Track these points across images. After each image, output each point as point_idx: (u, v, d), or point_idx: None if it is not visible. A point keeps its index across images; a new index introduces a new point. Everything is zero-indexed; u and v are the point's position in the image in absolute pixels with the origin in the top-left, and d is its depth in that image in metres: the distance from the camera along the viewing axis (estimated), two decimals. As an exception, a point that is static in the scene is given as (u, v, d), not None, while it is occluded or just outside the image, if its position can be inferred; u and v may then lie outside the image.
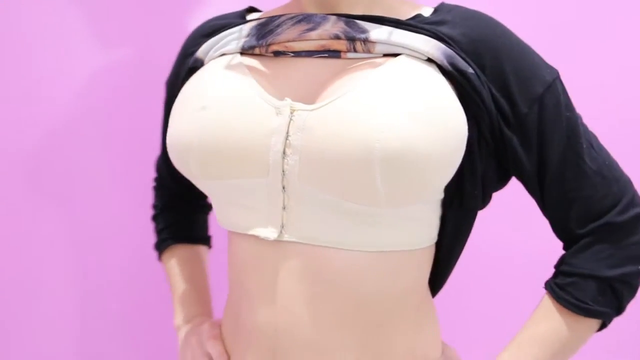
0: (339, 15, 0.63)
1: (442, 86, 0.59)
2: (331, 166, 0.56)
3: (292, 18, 0.64)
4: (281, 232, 0.62)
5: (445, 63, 0.60)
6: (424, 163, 0.55)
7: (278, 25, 0.65)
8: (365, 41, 0.61)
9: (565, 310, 0.65)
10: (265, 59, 0.66)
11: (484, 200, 0.67)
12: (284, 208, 0.61)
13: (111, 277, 1.16)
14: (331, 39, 0.62)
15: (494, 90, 0.62)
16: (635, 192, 0.66)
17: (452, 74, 0.60)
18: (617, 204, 0.64)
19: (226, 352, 0.71)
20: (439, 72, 0.60)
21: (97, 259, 1.15)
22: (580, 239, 0.65)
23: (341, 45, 0.62)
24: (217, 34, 0.70)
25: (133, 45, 1.11)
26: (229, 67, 0.65)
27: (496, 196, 0.69)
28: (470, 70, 0.60)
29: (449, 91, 0.60)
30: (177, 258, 0.87)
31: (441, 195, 0.65)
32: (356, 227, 0.61)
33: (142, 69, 1.12)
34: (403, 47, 0.60)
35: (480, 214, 0.69)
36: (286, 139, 0.59)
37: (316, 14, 0.64)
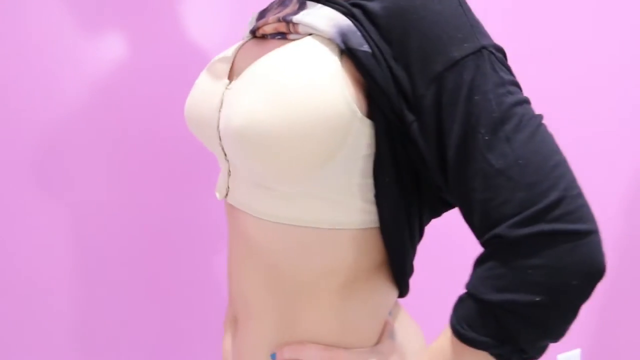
0: None
1: (319, 67, 0.57)
2: (225, 140, 0.63)
3: (277, 2, 0.69)
4: (227, 194, 0.70)
5: (338, 41, 0.57)
6: (268, 141, 0.56)
7: (269, 10, 0.70)
8: (292, 23, 0.62)
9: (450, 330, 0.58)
10: (255, 42, 0.70)
11: (419, 190, 0.62)
12: (229, 173, 0.69)
13: (110, 274, 1.16)
14: (278, 22, 0.64)
15: (396, 69, 0.56)
16: (558, 205, 0.50)
17: (347, 53, 0.57)
18: (517, 214, 0.50)
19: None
20: (336, 52, 0.58)
21: (96, 256, 1.15)
22: (484, 249, 0.55)
23: (283, 27, 0.64)
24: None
25: (130, 44, 1.11)
26: (231, 48, 0.72)
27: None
28: (364, 47, 0.56)
29: (329, 72, 0.57)
30: None
31: (360, 179, 0.61)
32: (264, 197, 0.63)
33: (139, 67, 1.12)
34: (310, 27, 0.60)
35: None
36: (219, 113, 0.65)
37: None
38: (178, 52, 1.14)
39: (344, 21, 0.58)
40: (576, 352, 1.81)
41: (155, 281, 1.20)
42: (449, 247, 1.48)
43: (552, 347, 1.55)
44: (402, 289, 0.71)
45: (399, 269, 0.67)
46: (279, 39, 0.66)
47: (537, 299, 0.50)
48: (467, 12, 0.56)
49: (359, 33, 0.57)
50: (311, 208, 0.62)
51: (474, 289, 0.54)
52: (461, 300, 0.56)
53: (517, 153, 0.51)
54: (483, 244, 0.54)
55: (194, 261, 1.23)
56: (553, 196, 0.50)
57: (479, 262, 0.54)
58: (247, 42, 0.73)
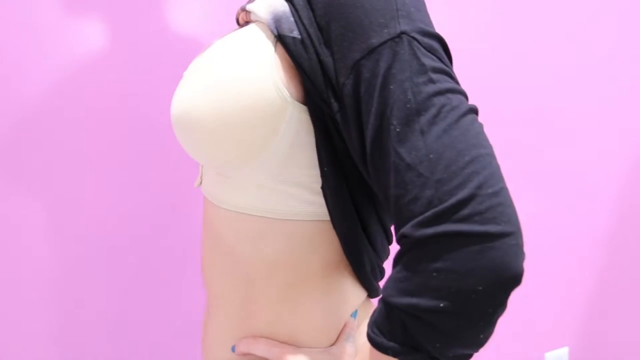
0: None
1: (249, 54, 0.57)
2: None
3: None
4: (201, 182, 0.71)
5: (272, 27, 0.57)
6: (200, 131, 0.57)
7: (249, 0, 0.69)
8: (246, 11, 0.64)
9: None
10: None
11: (345, 178, 0.60)
12: (202, 164, 0.70)
13: (95, 274, 1.14)
14: (242, 11, 0.67)
15: (323, 56, 0.54)
16: (466, 204, 0.45)
17: (279, 39, 0.56)
18: (423, 213, 0.47)
19: None
20: (272, 38, 0.58)
21: (80, 255, 1.13)
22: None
23: (245, 16, 0.66)
24: None
25: (121, 37, 1.09)
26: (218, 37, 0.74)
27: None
28: (294, 34, 0.55)
29: (258, 59, 0.56)
30: None
31: (306, 170, 0.59)
32: (222, 185, 0.64)
33: (131, 60, 1.10)
34: (253, 14, 0.61)
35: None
36: None
37: None
38: (169, 46, 1.13)
39: (281, 6, 0.57)
40: (564, 351, 1.81)
41: (143, 279, 1.18)
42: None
43: (540, 345, 1.54)
44: (369, 290, 0.68)
45: (355, 266, 0.64)
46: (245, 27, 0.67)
47: (442, 305, 0.46)
48: None
49: (292, 18, 0.56)
50: (264, 197, 0.61)
51: (385, 291, 0.51)
52: (378, 303, 0.53)
53: (430, 147, 0.47)
54: (397, 243, 0.50)
55: (183, 258, 1.21)
56: (462, 194, 0.45)
57: (393, 262, 0.51)
58: (232, 32, 0.73)
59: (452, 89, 0.50)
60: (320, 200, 0.61)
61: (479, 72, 1.48)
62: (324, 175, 0.58)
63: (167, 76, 1.12)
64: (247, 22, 0.66)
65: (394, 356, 0.50)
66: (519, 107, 1.56)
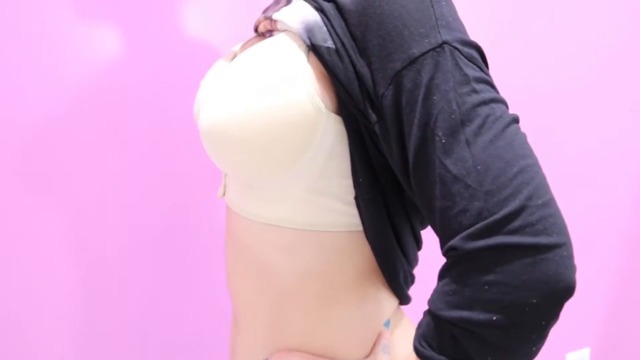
0: None
1: (283, 64, 0.56)
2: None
3: (275, 0, 0.69)
4: (224, 193, 0.70)
5: (304, 37, 0.56)
6: (232, 142, 0.56)
7: (269, 8, 0.69)
8: (272, 20, 0.62)
9: None
10: (254, 40, 0.71)
11: (402, 193, 0.60)
12: (225, 174, 0.70)
13: (112, 276, 1.15)
14: (265, 19, 0.65)
15: (359, 66, 0.53)
16: (517, 215, 0.45)
17: (312, 49, 0.56)
18: (473, 225, 0.46)
19: None
20: (304, 48, 0.57)
21: (95, 257, 1.13)
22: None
23: (269, 25, 0.65)
24: None
25: (128, 44, 1.09)
26: (235, 47, 0.74)
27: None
28: (328, 44, 0.54)
29: (291, 69, 0.55)
30: None
31: (341, 180, 0.59)
32: (247, 196, 0.64)
33: (143, 64, 1.11)
34: (282, 23, 0.60)
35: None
36: None
37: None
38: (181, 50, 1.13)
39: (312, 16, 0.56)
40: (586, 351, 1.80)
41: (158, 282, 1.19)
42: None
43: (561, 346, 1.53)
44: (401, 298, 0.67)
45: (388, 275, 0.64)
46: (268, 36, 0.65)
47: (494, 318, 0.45)
48: (435, 3, 0.52)
49: (324, 28, 0.55)
50: (293, 209, 0.60)
51: (432, 304, 0.50)
52: (424, 316, 0.52)
53: (477, 158, 0.46)
54: (444, 256, 0.50)
55: (198, 261, 1.22)
56: (512, 206, 0.45)
57: (440, 274, 0.50)
58: (251, 40, 0.73)
59: (495, 98, 0.49)
60: (353, 210, 0.60)
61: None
62: (358, 185, 0.58)
63: (183, 83, 1.12)
64: (269, 31, 0.66)
65: None
66: (536, 107, 1.56)
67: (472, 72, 0.49)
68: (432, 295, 0.50)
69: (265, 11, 0.72)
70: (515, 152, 0.47)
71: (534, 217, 0.45)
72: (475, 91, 0.48)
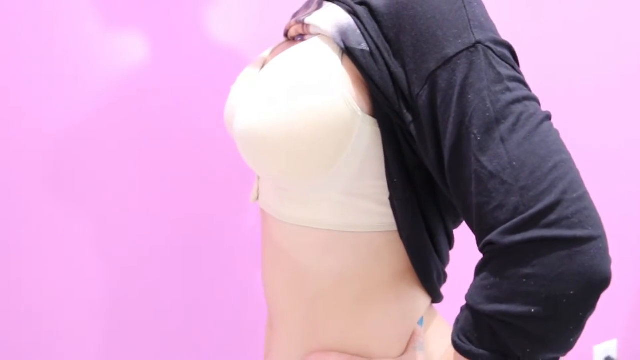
0: None
1: (318, 68, 0.56)
2: (237, 143, 0.62)
3: (305, 5, 0.71)
4: (258, 197, 0.72)
5: (338, 41, 0.57)
6: (268, 145, 0.56)
7: (299, 12, 0.72)
8: (305, 24, 0.63)
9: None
10: (285, 45, 0.72)
11: (435, 191, 0.61)
12: (258, 178, 0.72)
13: (138, 283, 1.16)
14: (297, 23, 0.66)
15: (394, 68, 0.54)
16: (553, 210, 0.46)
17: (346, 52, 0.56)
18: (510, 220, 0.47)
19: None
20: (337, 51, 0.58)
21: (116, 259, 1.14)
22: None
23: (301, 29, 0.65)
24: None
25: (151, 50, 1.11)
26: (264, 52, 0.76)
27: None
28: (362, 46, 0.55)
29: (326, 72, 0.56)
30: None
31: (375, 181, 0.60)
32: (282, 199, 0.64)
33: (156, 70, 1.12)
34: (316, 27, 0.61)
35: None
36: None
37: (313, 0, 0.68)
38: (204, 56, 1.14)
39: (345, 19, 0.57)
40: (613, 343, 1.80)
41: (170, 281, 1.19)
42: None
43: (588, 338, 1.53)
44: (434, 296, 0.68)
45: (422, 274, 0.64)
46: (299, 40, 0.66)
47: (533, 311, 0.46)
48: (467, 4, 0.53)
49: (358, 31, 0.56)
50: (329, 210, 0.61)
51: (471, 298, 0.51)
52: (462, 311, 0.53)
53: (512, 154, 0.48)
54: (481, 251, 0.51)
55: (227, 263, 1.23)
56: (548, 200, 0.46)
57: (477, 269, 0.51)
58: (281, 44, 0.74)
59: (528, 96, 0.50)
60: (387, 211, 0.61)
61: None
62: (393, 186, 0.58)
63: (213, 89, 1.13)
64: (301, 35, 0.66)
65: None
66: (557, 108, 1.56)
67: (504, 70, 0.51)
68: (470, 290, 0.52)
69: (295, 15, 0.73)
70: (549, 147, 0.48)
71: (570, 211, 0.46)
72: (508, 89, 0.50)
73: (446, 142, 0.51)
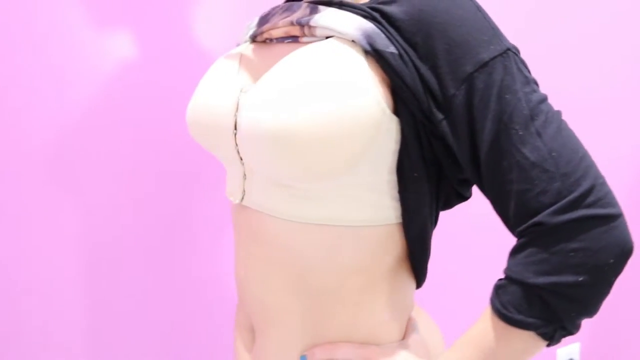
0: (310, 2, 0.68)
1: (349, 67, 0.59)
2: (251, 143, 0.63)
3: (281, 7, 0.72)
4: (243, 197, 0.71)
5: (363, 43, 0.60)
6: (303, 143, 0.58)
7: (272, 15, 0.72)
8: (309, 26, 0.65)
9: (494, 315, 0.60)
10: (259, 46, 0.73)
11: (452, 184, 0.66)
12: (244, 177, 0.70)
13: (118, 276, 1.17)
14: (289, 25, 0.67)
15: (423, 70, 0.59)
16: (590, 192, 0.55)
17: (372, 55, 0.60)
18: (556, 203, 0.55)
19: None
20: (361, 53, 0.61)
21: (111, 255, 1.16)
22: (519, 237, 0.59)
23: (296, 30, 0.66)
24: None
25: (137, 49, 1.12)
26: (232, 53, 0.75)
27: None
28: (391, 49, 0.59)
29: (359, 72, 0.59)
30: None
31: (387, 176, 0.64)
32: (291, 198, 0.65)
33: (151, 67, 1.13)
34: (331, 29, 0.62)
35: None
36: (235, 117, 0.66)
37: (296, 3, 0.69)
38: (190, 54, 1.16)
39: (366, 24, 0.61)
40: (576, 346, 1.83)
41: (167, 277, 1.21)
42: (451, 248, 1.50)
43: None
44: (421, 281, 0.73)
45: (420, 261, 0.70)
46: (289, 42, 0.68)
47: (580, 279, 0.54)
48: (485, 16, 0.60)
49: (383, 35, 0.60)
50: (339, 207, 0.64)
51: (519, 274, 0.57)
52: (502, 287, 0.59)
53: (549, 146, 0.56)
54: (520, 233, 0.58)
55: (201, 261, 1.24)
56: (586, 185, 0.55)
57: (518, 249, 0.58)
58: (248, 46, 0.75)
59: (546, 97, 0.59)
60: (396, 204, 0.65)
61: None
62: (414, 180, 0.63)
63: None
64: (293, 37, 0.67)
65: (533, 330, 0.57)
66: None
67: (528, 74, 0.59)
68: (514, 268, 0.58)
69: (267, 18, 0.73)
70: (575, 141, 0.57)
71: (602, 193, 0.55)
72: (534, 91, 0.58)
73: (484, 136, 0.58)
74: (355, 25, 0.61)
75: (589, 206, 0.54)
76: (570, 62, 1.63)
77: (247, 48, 0.74)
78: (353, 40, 0.61)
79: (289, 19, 0.67)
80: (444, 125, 0.60)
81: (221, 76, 0.72)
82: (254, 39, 0.75)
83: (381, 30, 0.60)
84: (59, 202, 1.10)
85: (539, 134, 0.56)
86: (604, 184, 0.56)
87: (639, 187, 1.82)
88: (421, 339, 0.71)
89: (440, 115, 0.59)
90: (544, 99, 0.58)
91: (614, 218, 0.55)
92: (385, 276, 0.68)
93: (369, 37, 0.60)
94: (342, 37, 0.62)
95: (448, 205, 0.71)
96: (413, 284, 0.73)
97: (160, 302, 1.22)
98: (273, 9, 0.74)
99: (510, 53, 0.58)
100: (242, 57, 0.73)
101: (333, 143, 0.58)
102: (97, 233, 1.14)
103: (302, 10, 0.67)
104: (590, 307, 0.57)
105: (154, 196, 1.18)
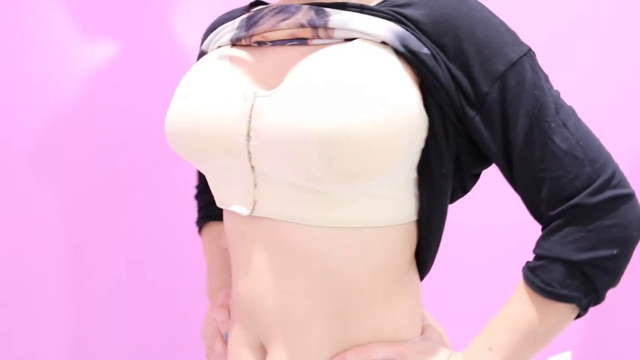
0: (311, 5, 0.67)
1: (388, 68, 0.61)
2: (279, 149, 0.61)
3: (272, 9, 0.69)
4: (253, 208, 0.67)
5: (397, 45, 0.62)
6: (354, 145, 0.58)
7: (261, 17, 0.69)
8: (326, 27, 0.64)
9: (534, 294, 0.64)
10: (249, 49, 0.71)
11: (464, 180, 0.70)
12: (255, 186, 0.67)
13: (110, 271, 1.17)
14: (298, 27, 0.66)
15: (453, 69, 0.63)
16: (614, 175, 0.62)
17: (405, 56, 0.62)
18: (589, 186, 0.61)
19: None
20: (393, 54, 0.63)
21: (96, 253, 1.16)
22: (552, 221, 0.64)
23: (307, 32, 0.66)
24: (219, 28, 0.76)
25: (126, 42, 1.14)
26: (215, 57, 0.72)
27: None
28: (425, 50, 0.62)
29: (398, 72, 0.62)
30: (210, 235, 0.94)
31: (411, 174, 0.66)
32: (316, 203, 0.64)
33: (135, 64, 1.14)
34: (358, 31, 0.63)
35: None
36: (249, 123, 0.64)
37: (292, 5, 0.68)
38: (178, 56, 1.17)
39: (394, 26, 0.63)
40: (567, 355, 1.82)
41: (154, 277, 1.21)
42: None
43: (542, 350, 1.54)
44: (424, 274, 0.76)
45: (431, 255, 0.73)
46: (293, 45, 0.67)
47: (615, 252, 0.61)
48: (500, 19, 0.66)
49: (413, 37, 0.62)
50: (365, 208, 0.65)
51: (560, 253, 0.62)
52: (540, 267, 0.64)
53: (576, 136, 0.63)
54: (552, 217, 0.64)
55: (191, 264, 1.24)
56: (610, 169, 0.63)
57: (553, 230, 0.64)
58: (230, 50, 0.71)
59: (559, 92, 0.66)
60: (415, 202, 0.68)
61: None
62: (442, 176, 0.66)
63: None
64: (301, 39, 0.66)
65: (575, 302, 0.63)
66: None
67: (544, 73, 0.66)
68: (553, 247, 0.63)
69: (254, 21, 0.69)
70: (591, 131, 0.65)
71: (621, 176, 0.63)
72: (552, 87, 0.65)
73: (518, 129, 0.63)
74: (386, 27, 0.63)
75: (615, 187, 0.62)
76: (568, 61, 1.62)
77: (232, 52, 0.71)
78: (383, 42, 0.63)
79: (292, 20, 0.66)
80: (477, 121, 0.64)
81: (212, 82, 0.69)
82: (235, 42, 0.72)
83: (411, 33, 0.62)
84: (42, 201, 1.10)
85: (565, 125, 0.63)
86: (618, 168, 0.64)
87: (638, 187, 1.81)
88: (437, 331, 0.73)
89: (472, 113, 0.63)
90: (559, 94, 0.65)
91: (632, 196, 0.63)
92: (404, 272, 0.71)
93: (402, 39, 0.62)
94: (368, 39, 0.63)
95: (451, 200, 0.73)
96: (418, 279, 0.75)
97: (144, 302, 1.21)
98: (257, 11, 0.71)
99: (531, 53, 0.64)
100: (230, 62, 0.70)
101: (385, 144, 0.59)
102: (80, 232, 1.13)
103: (304, 12, 0.66)
104: (618, 277, 0.64)
105: (137, 193, 1.18)
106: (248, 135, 0.64)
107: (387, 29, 0.63)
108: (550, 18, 1.57)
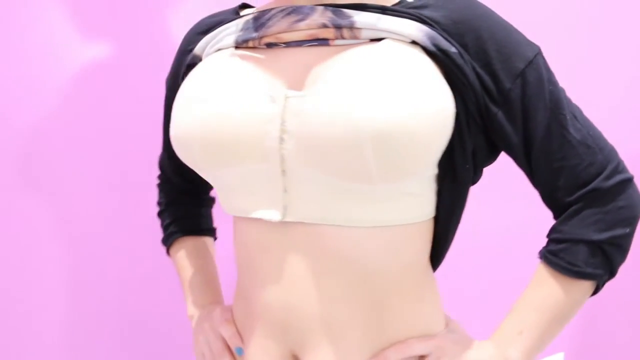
0: (326, 6, 0.66)
1: (425, 66, 0.63)
2: (325, 149, 0.60)
3: (282, 11, 0.68)
4: (284, 213, 0.66)
5: (428, 44, 0.64)
6: (411, 141, 0.59)
7: (269, 19, 0.68)
8: (352, 28, 0.65)
9: (559, 275, 0.69)
10: (259, 51, 0.70)
11: (476, 174, 0.72)
12: (284, 191, 0.65)
13: (103, 275, 1.18)
14: (319, 27, 0.65)
15: (477, 68, 0.66)
16: (619, 160, 0.69)
17: (436, 55, 0.64)
18: (603, 172, 0.67)
19: (239, 333, 0.75)
20: (423, 53, 0.65)
21: (90, 257, 1.17)
22: (569, 206, 0.69)
23: (329, 33, 0.65)
24: (212, 31, 0.74)
25: (122, 43, 1.13)
26: (226, 60, 0.69)
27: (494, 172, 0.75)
28: (454, 49, 0.64)
29: (433, 71, 0.64)
30: (185, 250, 0.91)
31: (434, 170, 0.68)
32: (354, 204, 0.64)
33: (131, 65, 1.16)
34: (388, 31, 0.64)
35: (477, 187, 0.75)
36: (282, 125, 0.63)
37: (304, 6, 0.67)
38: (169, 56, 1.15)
39: (422, 26, 0.65)
40: (560, 356, 1.82)
41: (147, 280, 1.22)
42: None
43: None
44: (436, 267, 0.77)
45: (447, 249, 0.75)
46: (312, 45, 0.66)
47: (627, 230, 0.68)
48: (507, 21, 0.69)
49: (440, 37, 0.64)
50: (402, 205, 0.67)
51: (581, 235, 0.68)
52: (563, 250, 0.69)
53: (586, 127, 0.69)
54: (570, 202, 0.68)
55: None
56: (615, 156, 0.69)
57: (571, 215, 0.69)
58: (234, 52, 0.70)
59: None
60: (434, 197, 0.70)
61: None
62: (465, 171, 0.68)
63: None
64: (322, 40, 0.66)
65: (598, 279, 0.69)
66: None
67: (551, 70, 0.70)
68: (574, 230, 0.68)
69: (264, 22, 0.68)
70: (592, 122, 0.71)
71: (623, 162, 0.70)
72: (558, 82, 0.70)
73: (538, 122, 0.67)
74: (415, 27, 0.64)
75: (621, 172, 0.69)
76: (567, 61, 1.62)
77: (241, 54, 0.70)
78: (412, 42, 0.64)
79: (310, 21, 0.65)
80: (500, 117, 0.67)
81: (231, 85, 0.67)
82: (240, 44, 0.70)
83: (438, 33, 0.64)
84: (41, 201, 1.11)
85: (575, 117, 0.68)
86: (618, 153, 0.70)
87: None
88: (456, 322, 0.76)
89: (495, 109, 0.67)
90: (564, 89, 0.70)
91: (633, 179, 0.70)
92: (427, 267, 0.74)
93: (432, 38, 0.64)
94: (398, 39, 0.64)
95: None
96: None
97: (144, 302, 1.23)
98: (263, 13, 0.69)
99: (540, 51, 0.69)
100: (243, 64, 0.69)
101: (433, 139, 0.62)
102: (80, 232, 1.15)
103: (320, 13, 0.65)
104: (627, 254, 0.70)
105: (137, 193, 1.18)
106: (281, 138, 0.63)
107: (417, 28, 0.64)
108: (548, 19, 1.58)
